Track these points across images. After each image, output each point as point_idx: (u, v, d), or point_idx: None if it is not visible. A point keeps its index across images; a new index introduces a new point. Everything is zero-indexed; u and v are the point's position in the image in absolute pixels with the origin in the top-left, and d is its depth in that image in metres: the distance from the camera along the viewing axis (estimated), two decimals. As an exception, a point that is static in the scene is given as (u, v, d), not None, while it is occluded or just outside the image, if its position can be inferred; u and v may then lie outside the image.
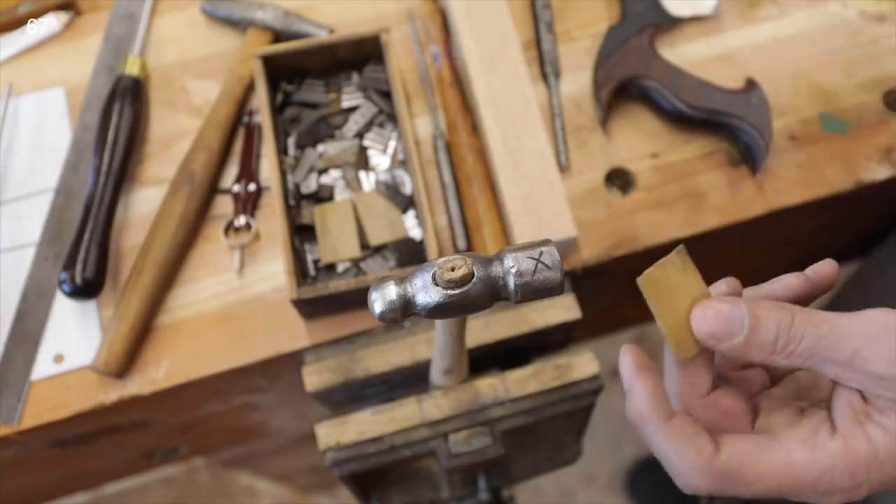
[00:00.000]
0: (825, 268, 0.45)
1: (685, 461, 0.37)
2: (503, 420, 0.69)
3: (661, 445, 0.38)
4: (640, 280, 0.41)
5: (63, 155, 0.79)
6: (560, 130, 0.79)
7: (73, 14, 0.85)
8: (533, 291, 0.44)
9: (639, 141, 0.80)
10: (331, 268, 0.74)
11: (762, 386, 0.45)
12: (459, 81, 0.80)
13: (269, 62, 0.76)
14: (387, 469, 0.77)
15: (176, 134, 0.80)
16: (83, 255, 0.70)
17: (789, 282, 0.44)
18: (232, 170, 0.79)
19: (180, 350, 0.72)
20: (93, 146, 0.75)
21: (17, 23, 0.83)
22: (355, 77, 0.81)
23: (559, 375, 0.69)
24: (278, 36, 0.82)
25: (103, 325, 0.72)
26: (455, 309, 0.45)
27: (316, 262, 0.74)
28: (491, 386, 0.69)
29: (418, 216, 0.74)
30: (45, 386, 0.71)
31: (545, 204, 0.72)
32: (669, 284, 0.41)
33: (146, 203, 0.77)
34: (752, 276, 1.29)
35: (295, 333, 0.72)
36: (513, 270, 0.44)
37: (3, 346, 0.71)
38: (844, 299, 1.01)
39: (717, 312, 0.39)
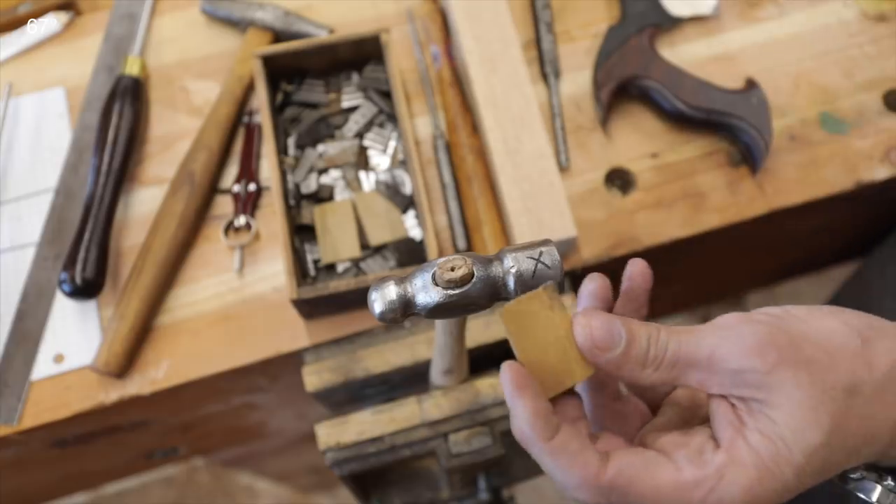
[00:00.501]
0: (633, 267, 0.45)
1: (573, 477, 0.37)
2: (503, 420, 0.69)
3: (547, 464, 0.38)
4: (501, 312, 0.40)
5: (63, 155, 0.79)
6: (560, 130, 0.79)
7: (73, 14, 0.85)
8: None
9: (639, 141, 0.80)
10: (331, 268, 0.74)
11: (643, 418, 0.45)
12: (459, 81, 0.80)
13: (269, 62, 0.76)
14: (387, 469, 0.77)
15: (176, 134, 0.80)
16: (83, 255, 0.70)
17: (590, 289, 0.45)
18: (232, 170, 0.79)
19: (180, 350, 0.72)
20: (93, 146, 0.75)
21: (17, 23, 0.83)
22: (355, 77, 0.81)
23: (559, 375, 0.69)
24: (278, 36, 0.82)
25: (103, 325, 0.72)
26: (455, 309, 0.45)
27: (316, 262, 0.74)
28: (491, 386, 0.69)
29: (418, 216, 0.74)
30: (45, 386, 0.71)
31: (545, 204, 0.72)
32: (534, 320, 0.40)
33: (146, 203, 0.77)
34: (752, 276, 1.30)
35: (295, 333, 0.72)
36: (513, 270, 0.44)
37: (3, 346, 0.71)
38: (843, 298, 1.01)
39: (601, 322, 0.39)
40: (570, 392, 0.42)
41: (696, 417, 0.44)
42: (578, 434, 0.39)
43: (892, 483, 0.39)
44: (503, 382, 0.39)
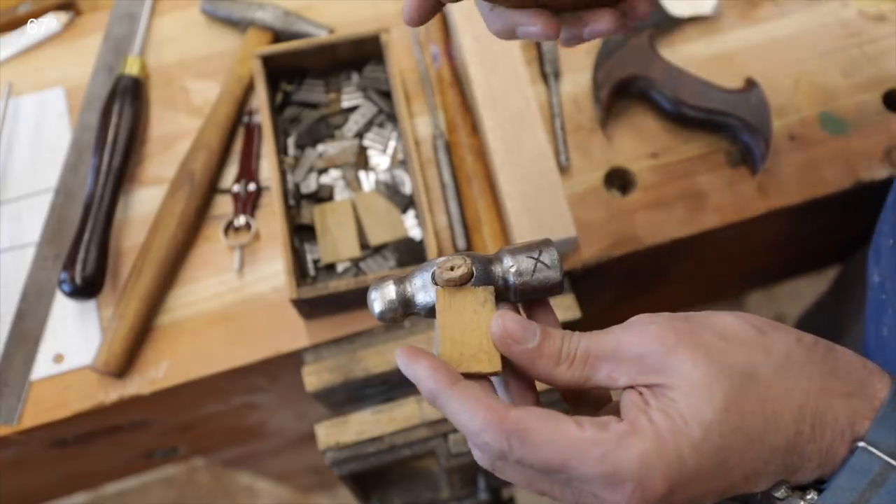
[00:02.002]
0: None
1: (476, 421, 0.38)
2: (503, 420, 0.69)
3: (454, 409, 0.39)
4: (438, 290, 0.43)
5: (63, 155, 0.79)
6: (560, 130, 0.79)
7: (73, 14, 0.85)
8: (532, 291, 0.44)
9: (638, 141, 0.80)
10: (331, 268, 0.74)
11: None
12: (459, 81, 0.80)
13: (269, 62, 0.76)
14: (387, 469, 0.77)
15: (176, 134, 0.80)
16: (83, 254, 0.70)
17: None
18: (232, 170, 0.79)
19: (180, 350, 0.72)
20: (93, 146, 0.75)
21: (17, 23, 0.83)
22: (355, 77, 0.81)
23: (559, 375, 0.69)
24: (278, 36, 0.82)
25: (103, 324, 0.72)
26: (454, 308, 0.45)
27: (316, 262, 0.74)
28: (491, 386, 0.69)
29: (418, 216, 0.74)
30: (44, 386, 0.71)
31: (545, 204, 0.72)
32: (464, 308, 0.43)
33: (146, 203, 0.77)
34: (752, 276, 1.29)
35: (295, 333, 0.72)
36: (512, 270, 0.44)
37: (3, 346, 0.71)
38: (839, 293, 1.01)
39: (514, 317, 0.42)
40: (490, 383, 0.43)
41: None
42: (482, 385, 0.40)
43: (815, 496, 0.40)
44: (400, 364, 0.41)
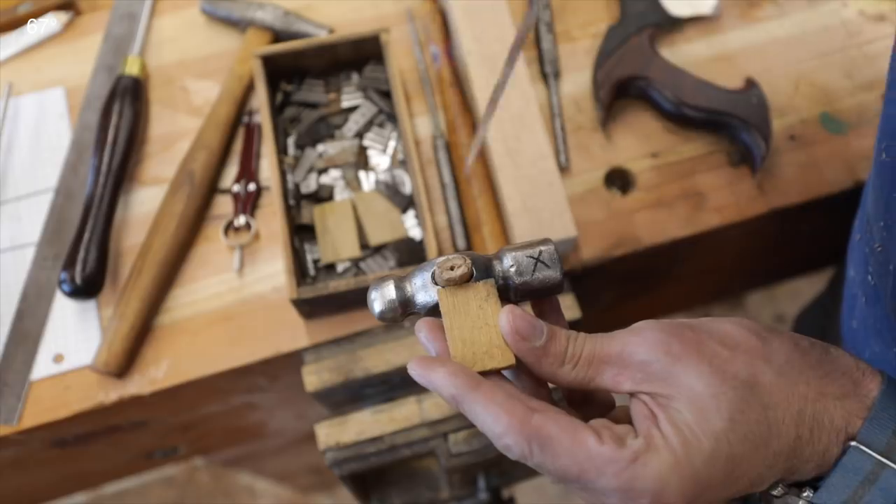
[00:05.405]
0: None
1: (500, 422, 0.39)
2: (503, 420, 0.69)
3: (477, 412, 0.40)
4: (440, 291, 0.43)
5: (63, 155, 0.79)
6: (560, 130, 0.79)
7: (73, 14, 0.85)
8: (532, 290, 0.44)
9: (639, 141, 0.80)
10: (331, 268, 0.74)
11: None
12: (459, 81, 0.80)
13: (269, 62, 0.76)
14: (387, 469, 0.77)
15: (176, 134, 0.80)
16: (83, 254, 0.70)
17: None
18: (232, 170, 0.79)
19: (180, 350, 0.72)
20: (93, 146, 0.75)
21: (17, 23, 0.83)
22: (355, 77, 0.81)
23: (559, 375, 0.69)
24: (278, 36, 0.82)
25: (103, 324, 0.72)
26: (454, 308, 0.45)
27: (316, 261, 0.74)
28: (491, 386, 0.69)
29: (418, 216, 0.74)
30: (44, 386, 0.71)
31: (545, 204, 0.72)
32: (468, 306, 0.43)
33: (146, 203, 0.77)
34: (752, 276, 1.29)
35: (295, 333, 0.72)
36: (512, 269, 0.44)
37: (3, 346, 0.71)
38: (836, 291, 1.01)
39: (523, 314, 0.42)
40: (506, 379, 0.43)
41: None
42: (504, 387, 0.41)
43: (811, 493, 0.40)
44: (414, 376, 0.41)
